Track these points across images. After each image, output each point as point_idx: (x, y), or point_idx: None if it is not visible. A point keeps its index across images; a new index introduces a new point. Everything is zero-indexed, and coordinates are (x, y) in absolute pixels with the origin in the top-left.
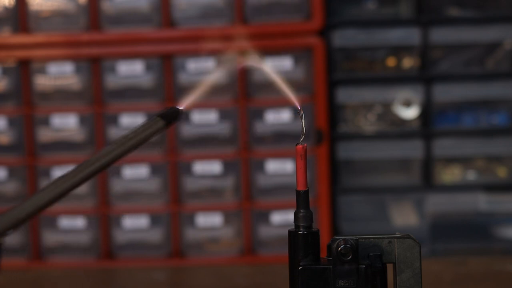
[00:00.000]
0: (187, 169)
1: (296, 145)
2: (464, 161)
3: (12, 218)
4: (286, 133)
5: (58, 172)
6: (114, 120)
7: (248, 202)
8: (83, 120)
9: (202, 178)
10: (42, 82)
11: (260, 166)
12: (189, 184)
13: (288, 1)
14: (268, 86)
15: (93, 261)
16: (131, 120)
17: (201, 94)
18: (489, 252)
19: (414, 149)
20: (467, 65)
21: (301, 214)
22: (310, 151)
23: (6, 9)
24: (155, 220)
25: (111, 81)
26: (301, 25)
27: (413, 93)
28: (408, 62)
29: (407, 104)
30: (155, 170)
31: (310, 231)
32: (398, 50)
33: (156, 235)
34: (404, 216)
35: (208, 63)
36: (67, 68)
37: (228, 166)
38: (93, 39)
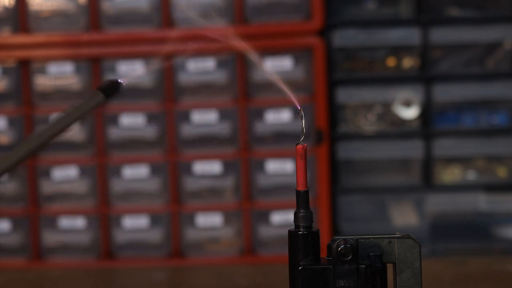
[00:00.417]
0: (187, 169)
1: (296, 145)
2: (464, 161)
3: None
4: (286, 133)
5: (58, 172)
6: (114, 120)
7: (248, 202)
8: (83, 120)
9: (202, 178)
10: (42, 82)
11: (260, 166)
12: (189, 184)
13: (288, 1)
14: (268, 86)
15: (93, 261)
16: (131, 120)
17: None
18: (489, 252)
19: (414, 149)
20: (467, 65)
21: (301, 214)
22: (310, 151)
23: (6, 9)
24: (155, 220)
25: None
26: (301, 25)
27: (413, 93)
28: (408, 62)
29: (407, 104)
30: (155, 170)
31: (310, 231)
32: (398, 50)
33: (156, 235)
34: (404, 216)
35: (208, 63)
36: (67, 68)
37: (228, 166)
38: (93, 39)
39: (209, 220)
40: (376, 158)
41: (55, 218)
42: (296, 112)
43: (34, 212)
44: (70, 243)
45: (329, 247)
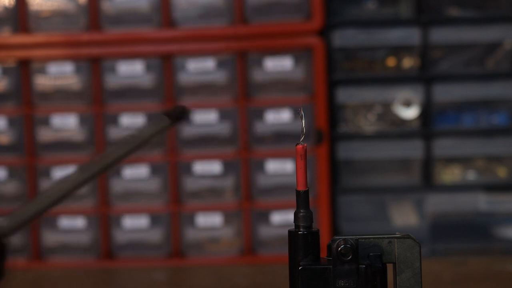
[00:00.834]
0: (187, 169)
1: (296, 145)
2: (464, 161)
3: (19, 219)
4: (286, 133)
5: (58, 172)
6: (114, 120)
7: (248, 202)
8: (83, 120)
9: (202, 178)
10: (42, 82)
11: (260, 166)
12: (189, 184)
13: (288, 1)
14: (268, 86)
15: (93, 261)
16: (131, 120)
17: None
18: (489, 252)
19: (414, 149)
20: (467, 65)
21: (301, 214)
22: (310, 151)
23: (6, 9)
24: (155, 220)
25: (111, 81)
26: (301, 25)
27: (413, 93)
28: (408, 62)
29: (407, 104)
30: (155, 170)
31: (310, 231)
32: (398, 50)
33: (156, 235)
34: (404, 216)
35: (208, 63)
36: (67, 68)
37: (228, 166)
38: (93, 39)
39: (209, 220)
40: (376, 158)
41: (55, 218)
42: (296, 112)
43: None
44: (70, 243)
45: (329, 247)
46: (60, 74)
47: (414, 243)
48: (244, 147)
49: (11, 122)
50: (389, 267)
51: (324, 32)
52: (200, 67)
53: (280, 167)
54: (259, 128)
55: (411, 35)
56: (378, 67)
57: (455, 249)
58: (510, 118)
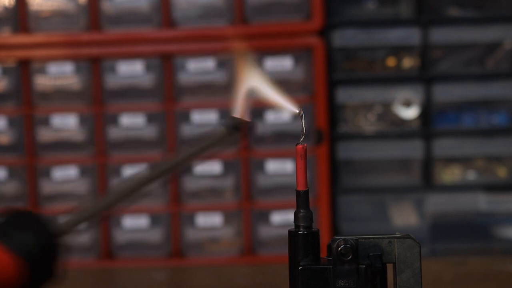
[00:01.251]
0: (187, 169)
1: (296, 145)
2: (464, 161)
3: (77, 218)
4: (286, 133)
5: (58, 172)
6: (114, 120)
7: (248, 202)
8: (83, 120)
9: (202, 178)
10: (42, 82)
11: (260, 166)
12: (189, 184)
13: (288, 1)
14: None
15: (93, 261)
16: (131, 120)
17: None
18: (489, 252)
19: (414, 149)
20: (467, 65)
21: (301, 214)
22: (310, 151)
23: (6, 9)
24: (155, 220)
25: (111, 81)
26: (301, 25)
27: (413, 93)
28: (408, 62)
29: (407, 104)
30: None
31: (310, 231)
32: (398, 50)
33: (156, 235)
34: (404, 216)
35: (208, 63)
36: (67, 68)
37: (228, 166)
38: (93, 39)
39: (209, 220)
40: (376, 158)
41: (55, 218)
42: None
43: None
44: (70, 243)
45: (329, 247)
46: (60, 74)
47: (414, 243)
48: (244, 147)
49: (11, 122)
50: (389, 267)
51: (324, 32)
52: (200, 67)
53: (280, 167)
54: (259, 128)
55: (411, 35)
56: (378, 67)
57: (455, 249)
58: (510, 118)
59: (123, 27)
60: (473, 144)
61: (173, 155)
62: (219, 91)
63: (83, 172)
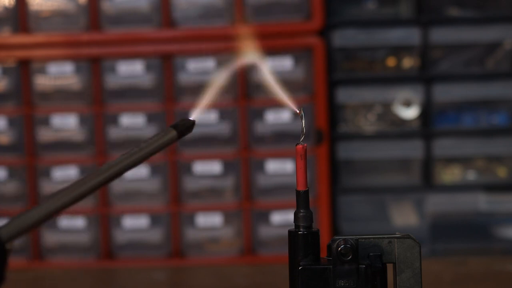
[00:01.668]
0: (187, 169)
1: (296, 145)
2: (464, 161)
3: (21, 224)
4: (286, 133)
5: (58, 172)
6: (114, 120)
7: (248, 202)
8: (83, 120)
9: (202, 178)
10: (42, 82)
11: (260, 166)
12: (189, 184)
13: (288, 1)
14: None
15: (93, 261)
16: (131, 120)
17: (209, 99)
18: (489, 252)
19: (414, 149)
20: (467, 65)
21: (301, 214)
22: (310, 151)
23: (6, 9)
24: (155, 220)
25: (111, 81)
26: (301, 25)
27: (413, 93)
28: (408, 62)
29: (407, 104)
30: (155, 170)
31: (310, 231)
32: (398, 50)
33: (156, 235)
34: (404, 216)
35: (208, 63)
36: (67, 68)
37: (228, 166)
38: (93, 39)
39: (209, 220)
40: (376, 158)
41: (55, 218)
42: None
43: None
44: (70, 243)
45: (329, 247)
46: (60, 74)
47: (414, 243)
48: (244, 147)
49: (11, 122)
50: (389, 267)
51: (324, 32)
52: (200, 67)
53: (280, 167)
54: (259, 128)
55: (411, 35)
56: (378, 67)
57: (455, 249)
58: (510, 118)
59: (123, 27)
60: (473, 144)
61: (121, 158)
62: (219, 91)
63: (83, 172)
